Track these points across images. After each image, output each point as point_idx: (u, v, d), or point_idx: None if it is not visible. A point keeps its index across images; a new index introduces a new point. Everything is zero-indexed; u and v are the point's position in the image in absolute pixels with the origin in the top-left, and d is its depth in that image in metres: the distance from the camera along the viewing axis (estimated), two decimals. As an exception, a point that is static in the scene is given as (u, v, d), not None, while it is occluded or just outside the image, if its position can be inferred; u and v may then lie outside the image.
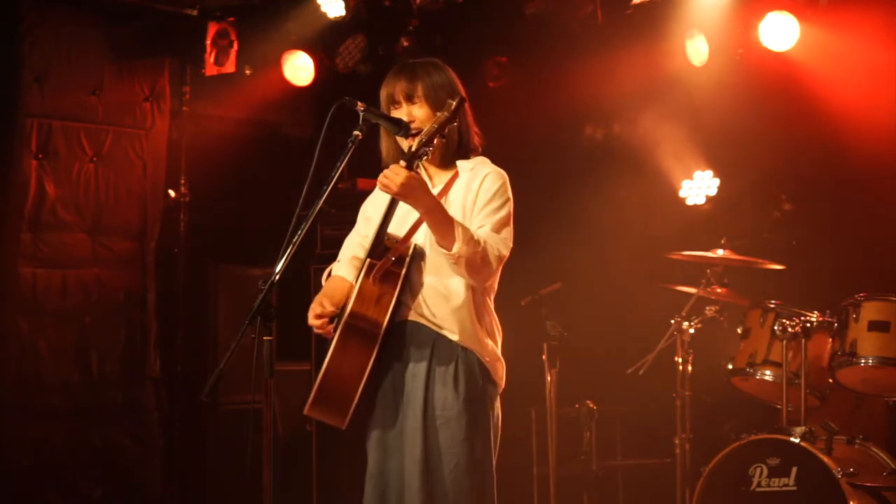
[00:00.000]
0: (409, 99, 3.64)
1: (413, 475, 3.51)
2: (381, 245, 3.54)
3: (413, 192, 3.40)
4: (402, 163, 3.41)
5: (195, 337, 7.14)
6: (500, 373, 3.66)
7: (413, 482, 3.51)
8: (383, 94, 3.69)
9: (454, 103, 3.47)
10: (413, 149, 3.45)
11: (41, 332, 6.50)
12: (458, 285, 3.56)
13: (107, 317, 6.76)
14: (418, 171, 3.46)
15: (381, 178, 3.41)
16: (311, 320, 3.59)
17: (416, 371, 3.56)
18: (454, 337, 3.55)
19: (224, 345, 6.98)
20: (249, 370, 3.17)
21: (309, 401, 3.52)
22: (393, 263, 3.52)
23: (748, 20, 5.92)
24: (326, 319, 3.56)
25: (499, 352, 3.67)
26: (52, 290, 6.54)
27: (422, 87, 3.63)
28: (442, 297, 3.56)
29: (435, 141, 3.45)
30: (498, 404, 3.67)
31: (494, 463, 3.62)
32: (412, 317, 3.58)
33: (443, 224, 3.44)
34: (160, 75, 7.01)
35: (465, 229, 3.46)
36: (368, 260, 3.52)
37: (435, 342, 3.56)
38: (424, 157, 3.47)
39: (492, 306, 3.69)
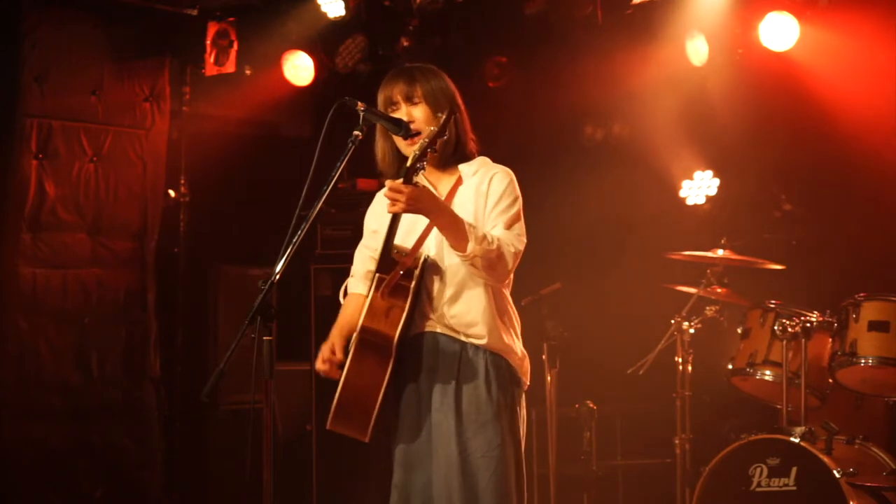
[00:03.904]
0: (409, 100, 3.64)
1: (451, 483, 3.51)
2: (389, 259, 3.54)
3: (420, 203, 3.40)
4: (400, 180, 3.41)
5: (195, 337, 7.14)
6: (526, 369, 3.69)
7: (451, 490, 3.50)
8: (381, 97, 3.69)
9: (443, 116, 3.47)
10: (408, 164, 3.44)
11: (41, 332, 6.50)
12: (478, 288, 3.56)
13: (107, 317, 6.76)
14: (418, 184, 3.45)
15: (386, 196, 3.41)
16: (319, 365, 3.59)
17: (444, 381, 3.56)
18: (482, 341, 3.56)
19: (224, 345, 6.97)
20: (249, 370, 3.17)
21: (330, 416, 3.52)
22: (402, 277, 3.53)
23: (748, 20, 5.92)
24: (334, 365, 3.56)
25: (522, 347, 3.68)
26: (52, 290, 6.54)
27: (420, 88, 3.63)
28: (464, 302, 3.56)
29: (428, 154, 3.45)
30: (524, 404, 3.69)
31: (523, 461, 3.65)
32: (433, 328, 3.59)
33: (454, 227, 3.45)
34: (160, 75, 7.01)
35: (477, 229, 3.46)
36: (377, 275, 3.53)
37: (461, 351, 3.57)
38: (421, 171, 3.46)
39: (510, 301, 3.70)
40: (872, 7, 5.82)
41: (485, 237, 3.46)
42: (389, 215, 3.50)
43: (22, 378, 6.41)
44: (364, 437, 3.52)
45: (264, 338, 3.21)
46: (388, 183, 3.43)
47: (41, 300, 6.50)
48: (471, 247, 3.42)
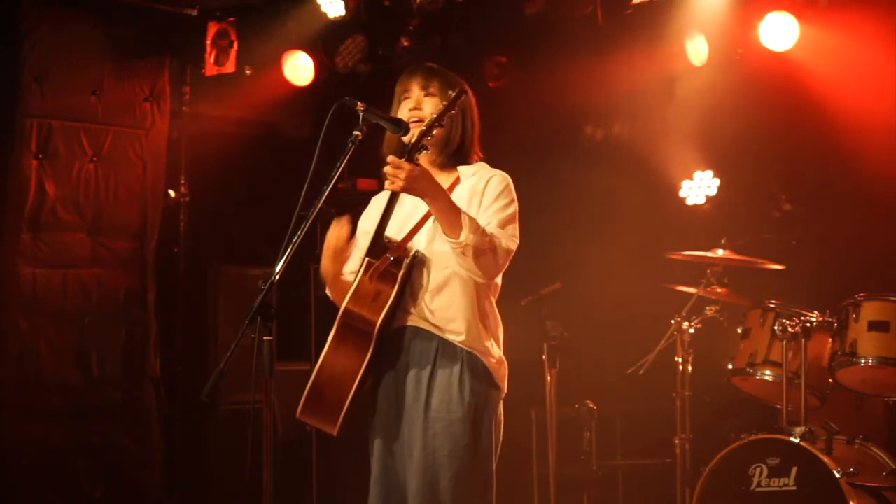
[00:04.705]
0: (424, 89, 3.65)
1: (415, 479, 3.50)
2: (380, 244, 3.53)
3: (419, 182, 3.40)
4: (404, 157, 3.41)
5: (195, 337, 7.14)
6: (503, 374, 3.66)
7: (415, 486, 3.50)
8: (398, 87, 3.70)
9: (454, 93, 3.47)
10: (413, 140, 3.44)
11: (41, 332, 6.50)
12: (462, 286, 3.55)
13: (107, 317, 6.75)
14: (419, 163, 3.45)
15: (386, 171, 3.41)
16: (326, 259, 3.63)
17: (418, 376, 3.55)
18: (459, 338, 3.54)
19: (224, 345, 6.97)
20: (249, 370, 3.17)
21: (301, 402, 3.51)
22: (391, 264, 3.51)
23: (748, 20, 5.92)
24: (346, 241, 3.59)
25: (501, 353, 3.67)
26: (52, 290, 6.54)
27: (438, 83, 3.65)
28: (446, 297, 3.55)
29: (434, 131, 3.44)
30: (501, 409, 3.66)
31: (494, 468, 3.62)
32: (413, 322, 3.57)
33: (450, 212, 3.44)
34: (160, 75, 7.01)
35: (472, 219, 3.46)
36: (366, 259, 3.52)
37: (438, 347, 3.55)
38: (424, 151, 3.46)
39: (495, 307, 3.69)
40: (872, 7, 5.82)
41: (479, 227, 3.45)
42: (384, 203, 3.51)
43: (22, 378, 6.41)
44: (333, 429, 3.48)
45: (264, 338, 3.20)
46: (390, 159, 3.42)
47: (41, 300, 6.50)
48: (464, 234, 3.42)
